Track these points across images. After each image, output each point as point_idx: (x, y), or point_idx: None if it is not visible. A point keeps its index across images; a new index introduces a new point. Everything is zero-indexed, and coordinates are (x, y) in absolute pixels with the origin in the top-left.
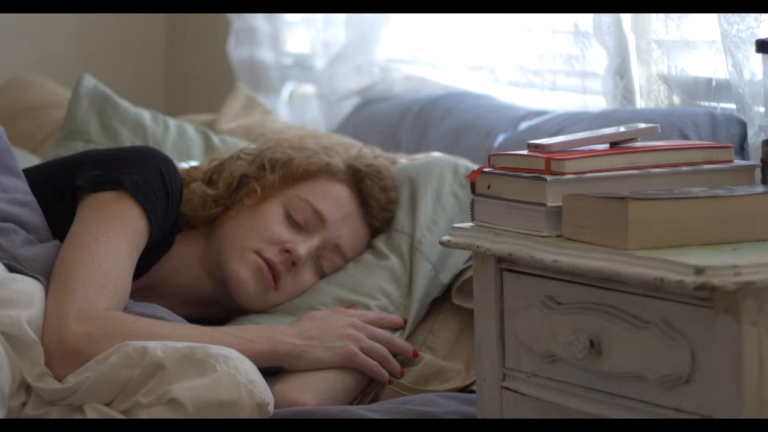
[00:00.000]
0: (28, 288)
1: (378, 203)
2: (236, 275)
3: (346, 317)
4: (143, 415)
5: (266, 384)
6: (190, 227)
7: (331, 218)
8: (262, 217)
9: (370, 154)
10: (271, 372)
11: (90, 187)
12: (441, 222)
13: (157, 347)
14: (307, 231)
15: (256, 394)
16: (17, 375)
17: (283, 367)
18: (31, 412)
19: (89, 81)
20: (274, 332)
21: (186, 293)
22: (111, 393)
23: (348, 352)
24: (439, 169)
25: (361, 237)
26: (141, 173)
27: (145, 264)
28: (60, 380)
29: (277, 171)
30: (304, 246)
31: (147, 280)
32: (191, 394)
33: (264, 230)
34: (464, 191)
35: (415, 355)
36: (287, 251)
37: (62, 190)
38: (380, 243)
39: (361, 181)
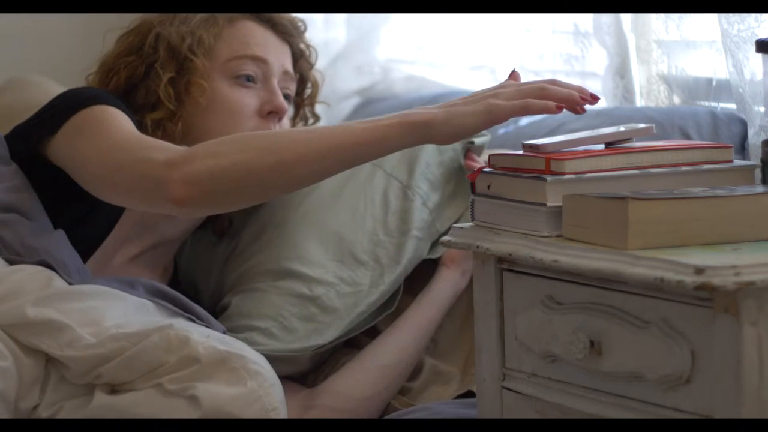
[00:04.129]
0: (31, 274)
1: (286, 20)
2: None
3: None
4: (161, 398)
5: (287, 416)
6: None
7: (267, 55)
8: (221, 102)
9: None
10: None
11: (52, 128)
12: (438, 173)
13: (199, 342)
14: (259, 81)
15: None
16: (30, 373)
17: (427, 141)
18: (44, 412)
19: None
20: (407, 111)
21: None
22: (141, 371)
23: (488, 106)
24: None
25: (290, 54)
26: (90, 91)
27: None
28: (186, 210)
29: (198, 55)
30: (278, 98)
31: (130, 218)
32: (213, 401)
33: (236, 112)
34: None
35: (594, 98)
36: (271, 112)
37: (21, 156)
38: (363, 186)
39: (256, 14)
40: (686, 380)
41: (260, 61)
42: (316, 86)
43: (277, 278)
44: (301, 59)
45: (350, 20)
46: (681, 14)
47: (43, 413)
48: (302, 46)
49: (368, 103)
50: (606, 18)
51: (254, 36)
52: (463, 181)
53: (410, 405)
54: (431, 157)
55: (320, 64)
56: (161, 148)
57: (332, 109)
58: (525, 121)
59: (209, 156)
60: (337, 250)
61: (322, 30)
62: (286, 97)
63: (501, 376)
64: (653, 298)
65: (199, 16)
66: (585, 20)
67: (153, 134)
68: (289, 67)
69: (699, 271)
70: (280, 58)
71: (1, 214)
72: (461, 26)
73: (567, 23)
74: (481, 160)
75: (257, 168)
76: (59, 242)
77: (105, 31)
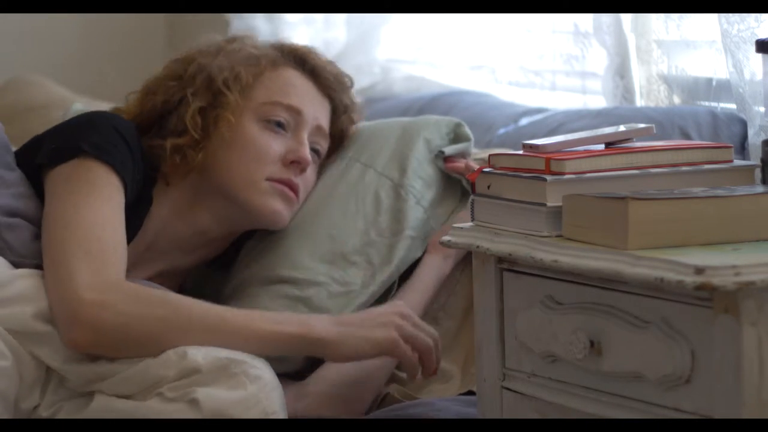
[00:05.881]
0: (36, 282)
1: (331, 74)
2: (268, 208)
3: (395, 306)
4: (161, 406)
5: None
6: (167, 179)
7: (303, 106)
8: (247, 141)
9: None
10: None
11: (51, 162)
12: (431, 170)
13: (198, 354)
14: (289, 130)
15: None
16: (30, 373)
17: (320, 357)
18: (44, 412)
19: (76, 107)
20: (309, 318)
21: (186, 241)
22: (141, 387)
23: (388, 340)
24: (434, 121)
25: (328, 109)
26: (94, 133)
27: (133, 226)
28: (77, 349)
29: (233, 90)
30: (304, 148)
31: (142, 243)
32: (213, 404)
33: (259, 154)
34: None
35: (434, 373)
36: (293, 162)
37: (28, 171)
38: (352, 184)
39: (302, 58)
40: (686, 380)
41: (294, 110)
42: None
43: (268, 284)
44: (343, 115)
45: (350, 20)
46: (681, 14)
47: (44, 413)
48: (347, 101)
49: (368, 103)
50: (606, 18)
51: (294, 85)
52: (451, 178)
53: (409, 396)
54: (422, 155)
55: None
56: (90, 271)
57: None
58: (525, 121)
59: (121, 314)
60: (328, 252)
61: (322, 30)
62: (316, 151)
63: (501, 376)
64: (653, 298)
65: (245, 52)
66: (585, 20)
67: (170, 159)
68: (324, 122)
69: (699, 271)
70: (316, 111)
71: (6, 218)
72: (461, 26)
73: (567, 23)
74: (464, 161)
75: (160, 341)
76: None
77: (105, 31)
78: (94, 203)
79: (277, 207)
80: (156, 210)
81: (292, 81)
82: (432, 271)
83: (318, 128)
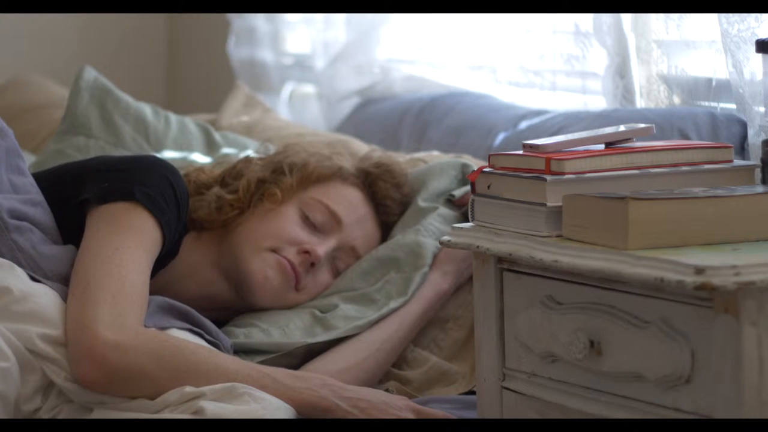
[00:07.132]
0: (51, 304)
1: (394, 201)
2: (261, 273)
3: (408, 402)
4: (164, 415)
5: None
6: (199, 231)
7: (347, 220)
8: (278, 218)
9: (377, 154)
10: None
11: (99, 199)
12: (445, 210)
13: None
14: (323, 233)
15: None
16: (35, 378)
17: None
18: (45, 415)
19: (90, 73)
20: (324, 385)
21: (194, 297)
22: (143, 411)
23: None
24: (440, 168)
25: (374, 238)
26: (150, 184)
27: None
28: (80, 384)
29: (294, 174)
30: (322, 247)
31: (150, 288)
32: (217, 409)
33: (281, 231)
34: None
35: None
36: (306, 252)
37: (67, 199)
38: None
39: (373, 183)
40: (686, 380)
41: (336, 219)
42: None
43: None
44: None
45: (350, 20)
46: (681, 14)
47: (44, 416)
48: (399, 218)
49: (368, 103)
50: (606, 18)
51: (350, 202)
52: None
53: (408, 395)
54: (442, 210)
55: (320, 64)
56: (114, 311)
57: (332, 109)
58: (524, 124)
59: (133, 359)
60: (353, 298)
61: (322, 30)
62: (335, 266)
63: (501, 376)
64: (653, 298)
65: (330, 159)
66: (585, 20)
67: (209, 207)
68: (360, 246)
69: (699, 271)
70: (356, 234)
71: (15, 221)
72: (461, 26)
73: (567, 23)
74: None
75: (167, 390)
76: (68, 256)
77: (105, 31)
78: (135, 250)
79: (269, 273)
80: (176, 263)
81: (350, 198)
82: (429, 285)
83: (351, 248)
